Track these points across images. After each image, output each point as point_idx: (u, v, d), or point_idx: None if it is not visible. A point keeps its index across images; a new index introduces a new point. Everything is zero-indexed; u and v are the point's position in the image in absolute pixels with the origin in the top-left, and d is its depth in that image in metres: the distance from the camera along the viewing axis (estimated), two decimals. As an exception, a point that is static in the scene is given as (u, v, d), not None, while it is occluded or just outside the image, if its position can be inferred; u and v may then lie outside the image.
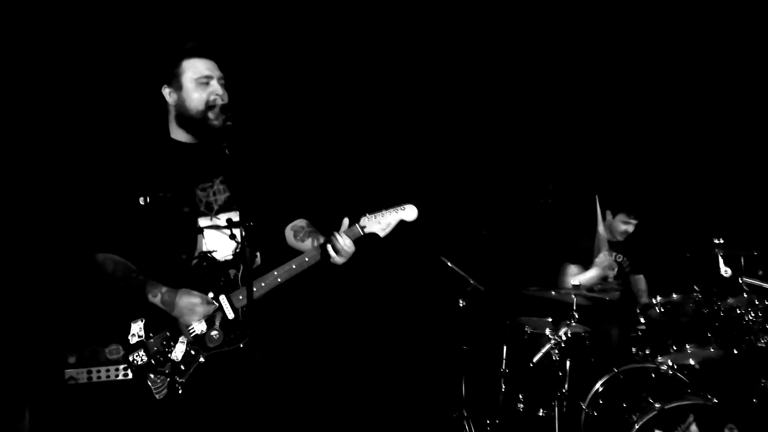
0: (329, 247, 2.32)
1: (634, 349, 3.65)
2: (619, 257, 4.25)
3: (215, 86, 2.34)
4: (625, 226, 4.14)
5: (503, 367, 3.76)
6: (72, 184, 3.24)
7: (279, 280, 2.36)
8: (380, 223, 2.38)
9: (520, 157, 4.53)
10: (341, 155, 4.02)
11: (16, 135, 3.37)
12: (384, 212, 2.38)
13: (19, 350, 3.34)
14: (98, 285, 2.39)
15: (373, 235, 2.40)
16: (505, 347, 3.80)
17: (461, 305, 3.86)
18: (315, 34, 3.89)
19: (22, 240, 3.37)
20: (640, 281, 4.31)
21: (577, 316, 3.54)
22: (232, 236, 2.29)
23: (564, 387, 3.49)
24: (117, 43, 3.36)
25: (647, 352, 3.52)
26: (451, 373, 3.96)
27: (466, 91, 4.38)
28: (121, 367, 2.82)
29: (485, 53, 4.33)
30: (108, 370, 3.25)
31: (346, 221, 2.37)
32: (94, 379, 3.29)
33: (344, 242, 2.32)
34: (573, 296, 3.59)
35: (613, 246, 4.24)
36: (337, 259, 2.34)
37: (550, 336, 3.52)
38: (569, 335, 3.55)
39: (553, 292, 3.67)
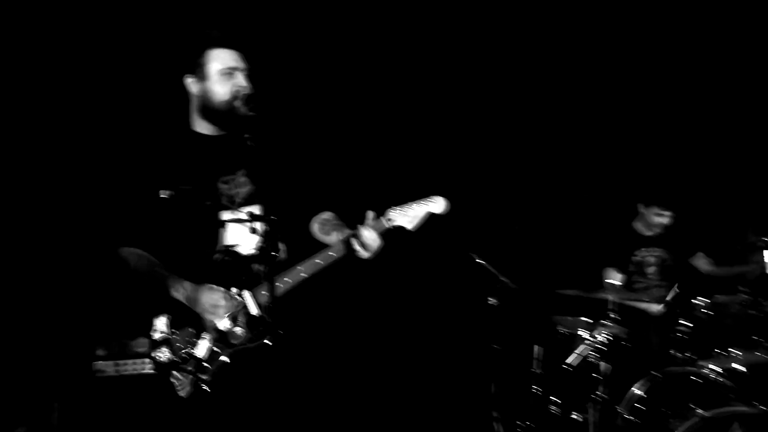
0: (354, 241, 2.24)
1: (675, 352, 3.49)
2: (662, 252, 4.05)
3: (240, 78, 2.28)
4: (659, 218, 3.96)
5: (535, 367, 3.65)
6: (96, 177, 3.24)
7: (304, 275, 2.30)
8: (408, 216, 2.29)
9: (556, 150, 4.38)
10: (368, 147, 3.94)
11: (39, 128, 3.38)
12: (412, 204, 2.30)
13: (48, 343, 3.36)
14: (123, 279, 2.36)
15: (401, 228, 2.31)
16: (537, 347, 3.69)
17: (491, 303, 3.74)
18: (340, 23, 3.82)
19: (49, 234, 3.38)
20: (701, 258, 4.07)
21: (614, 317, 3.39)
22: (253, 230, 2.23)
23: (600, 390, 3.36)
24: (138, 31, 3.33)
25: (689, 354, 3.35)
26: (482, 373, 3.86)
27: (499, 79, 4.27)
28: (147, 360, 2.79)
29: (517, 43, 4.20)
30: (135, 363, 3.25)
31: (370, 214, 2.29)
32: (122, 372, 3.30)
33: (370, 235, 2.24)
34: (609, 296, 3.45)
35: (653, 241, 4.06)
36: (363, 254, 2.26)
37: (585, 337, 3.39)
38: (606, 336, 3.41)
39: (598, 296, 3.52)
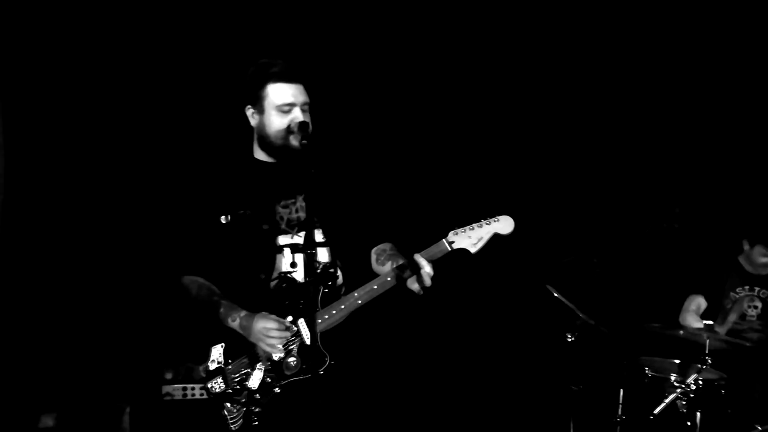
0: (406, 271, 2.12)
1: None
2: (764, 293, 3.69)
3: (297, 113, 2.25)
4: (765, 259, 3.60)
5: (619, 413, 3.34)
6: (161, 204, 3.31)
7: (360, 302, 2.20)
8: (471, 238, 2.14)
9: (641, 175, 4.08)
10: (435, 171, 3.82)
11: (108, 156, 3.51)
12: (475, 225, 2.15)
13: (120, 365, 3.44)
14: (185, 307, 2.36)
15: (464, 251, 2.15)
16: (621, 391, 3.39)
17: (569, 340, 3.48)
18: (399, 52, 3.77)
19: (125, 260, 3.49)
20: None
21: (710, 361, 3.04)
22: (293, 264, 2.17)
23: (693, 442, 3.01)
24: (207, 59, 3.42)
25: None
26: (559, 417, 3.58)
27: (579, 98, 4.05)
28: (202, 388, 2.77)
29: (603, 63, 3.98)
30: (202, 388, 3.27)
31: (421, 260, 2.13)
32: (189, 397, 3.31)
33: (424, 266, 2.11)
34: (705, 336, 3.11)
35: (757, 280, 3.68)
36: (415, 288, 2.13)
37: (676, 382, 3.05)
38: (700, 382, 3.06)
39: (681, 332, 3.20)
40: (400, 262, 2.18)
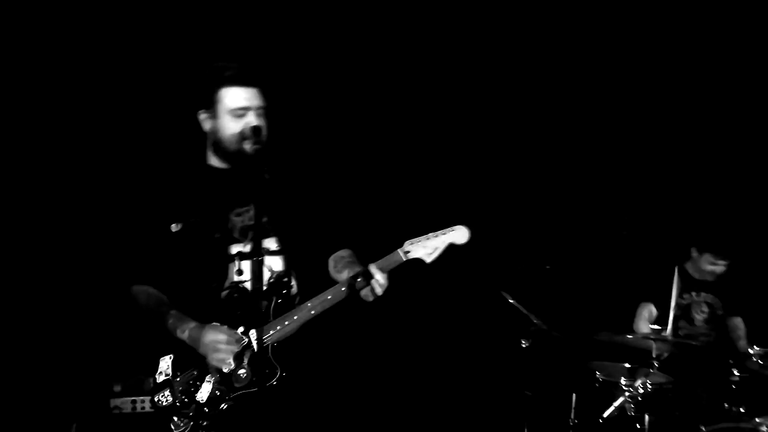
0: (359, 282, 2.10)
1: (727, 405, 3.19)
2: (710, 298, 3.81)
3: (251, 118, 2.21)
4: (712, 267, 3.73)
5: (572, 417, 3.40)
6: (110, 211, 3.21)
7: (313, 312, 2.16)
8: (426, 248, 2.14)
9: (591, 184, 4.17)
10: (389, 180, 3.81)
11: (52, 161, 3.38)
12: (430, 236, 2.15)
13: (66, 379, 3.32)
14: (134, 317, 2.29)
15: (419, 261, 2.16)
16: (574, 395, 3.44)
17: (523, 346, 3.52)
18: (354, 58, 3.75)
19: (72, 269, 3.37)
20: (738, 327, 3.84)
21: (657, 365, 3.13)
22: (239, 271, 2.13)
23: (642, 445, 3.09)
24: (157, 62, 3.33)
25: (742, 410, 3.05)
26: (512, 422, 3.61)
27: (530, 107, 4.10)
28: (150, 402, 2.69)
29: (554, 68, 4.05)
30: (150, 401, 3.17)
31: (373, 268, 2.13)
32: (138, 410, 3.21)
33: (381, 278, 2.10)
34: (652, 342, 3.19)
35: (704, 286, 3.81)
36: (367, 296, 2.13)
37: (625, 386, 3.12)
38: (649, 386, 3.14)
39: (629, 336, 3.28)
40: (357, 270, 2.17)
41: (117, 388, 3.26)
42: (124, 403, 3.18)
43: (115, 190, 3.22)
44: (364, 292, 2.14)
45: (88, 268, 3.32)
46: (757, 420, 2.96)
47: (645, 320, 3.73)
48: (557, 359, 3.73)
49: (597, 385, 3.37)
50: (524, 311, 3.46)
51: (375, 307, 2.23)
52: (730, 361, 3.16)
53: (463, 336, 3.98)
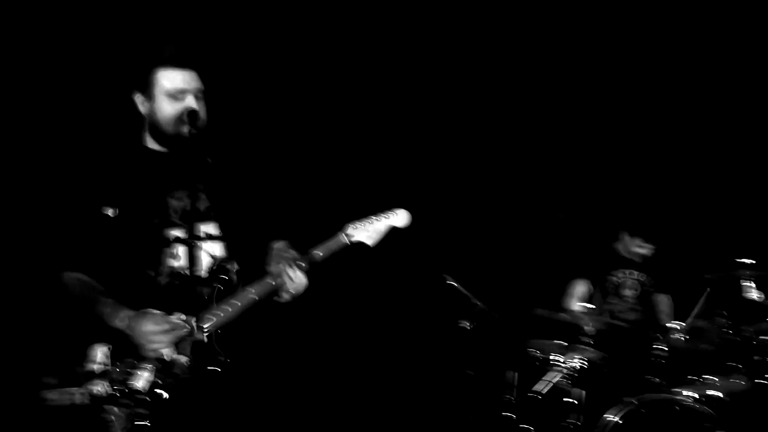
0: (275, 280, 2.13)
1: (655, 378, 3.37)
2: (642, 276, 4.01)
3: (189, 100, 2.16)
4: (640, 250, 3.93)
5: (513, 394, 3.51)
6: (39, 195, 3.07)
7: (255, 298, 2.15)
8: (368, 231, 2.18)
9: (528, 168, 4.28)
10: (330, 165, 3.81)
11: None
12: (372, 219, 2.19)
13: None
14: (66, 306, 2.22)
15: (361, 245, 2.18)
16: (516, 374, 3.56)
17: (466, 327, 3.60)
18: (298, 38, 3.71)
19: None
20: (664, 302, 4.05)
21: (589, 341, 3.27)
22: (174, 255, 2.06)
23: (577, 418, 3.23)
24: (92, 41, 3.19)
25: (666, 381, 3.24)
26: (456, 401, 3.71)
27: (467, 93, 4.16)
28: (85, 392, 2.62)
29: (494, 53, 4.12)
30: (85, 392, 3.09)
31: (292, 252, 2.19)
32: (75, 402, 3.12)
33: (294, 277, 2.13)
34: (585, 319, 3.34)
35: (633, 264, 4.00)
36: (285, 298, 2.15)
37: (555, 362, 3.26)
38: (581, 362, 3.28)
39: (564, 315, 3.42)
40: (279, 266, 2.16)
41: (51, 381, 3.16)
42: (62, 394, 3.08)
43: (45, 173, 3.08)
44: (286, 296, 2.15)
45: (16, 255, 3.18)
46: (681, 390, 3.15)
47: (576, 298, 3.90)
48: (498, 339, 3.84)
49: (536, 363, 3.50)
50: (465, 293, 3.54)
51: (317, 292, 2.24)
52: (654, 335, 3.33)
53: (407, 319, 4.04)
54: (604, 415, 3.10)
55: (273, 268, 2.23)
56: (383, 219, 2.19)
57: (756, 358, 2.97)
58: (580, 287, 3.98)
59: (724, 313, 3.09)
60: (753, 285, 3.03)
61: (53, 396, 3.13)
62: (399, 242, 2.25)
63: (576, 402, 3.28)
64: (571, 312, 3.67)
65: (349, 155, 3.84)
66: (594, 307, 3.42)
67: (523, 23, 4.10)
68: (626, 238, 4.00)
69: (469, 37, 4.04)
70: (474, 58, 4.10)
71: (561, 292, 4.04)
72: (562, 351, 3.42)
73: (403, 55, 3.99)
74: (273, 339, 2.34)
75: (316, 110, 3.81)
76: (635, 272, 4.02)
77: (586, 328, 3.42)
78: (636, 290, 4.00)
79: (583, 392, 3.29)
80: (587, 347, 3.33)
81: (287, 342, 3.59)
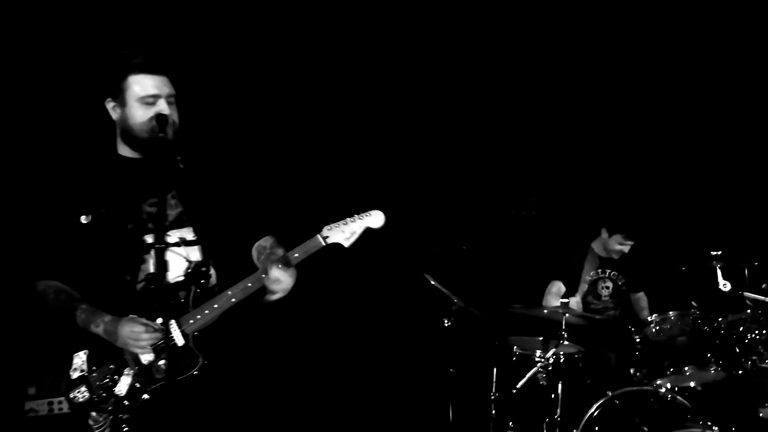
0: (262, 279, 2.13)
1: (632, 371, 3.43)
2: (614, 274, 4.08)
3: (162, 106, 2.16)
4: (620, 246, 3.99)
5: (493, 390, 3.55)
6: (13, 204, 3.05)
7: (233, 300, 2.17)
8: (344, 232, 2.20)
9: (504, 166, 4.32)
10: (307, 167, 3.82)
11: None
12: (348, 220, 2.21)
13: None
14: (42, 315, 2.21)
15: (338, 246, 2.21)
16: (495, 369, 3.60)
17: (446, 325, 3.64)
18: (271, 40, 3.71)
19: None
20: (641, 299, 4.13)
21: (566, 336, 3.32)
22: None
23: (556, 412, 3.27)
24: (63, 48, 3.17)
25: (643, 373, 3.30)
26: (438, 398, 3.74)
27: (441, 93, 4.17)
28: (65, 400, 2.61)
29: (468, 51, 4.13)
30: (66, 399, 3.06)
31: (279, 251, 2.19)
32: (56, 411, 3.09)
33: (279, 275, 2.13)
34: (562, 315, 3.39)
35: (608, 263, 4.07)
36: (269, 297, 2.16)
37: (537, 358, 3.31)
38: (559, 357, 3.33)
39: (545, 311, 3.47)
40: (266, 264, 2.17)
41: (32, 391, 3.12)
42: (40, 405, 3.05)
43: (20, 182, 3.05)
44: (274, 296, 2.16)
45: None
46: (657, 382, 3.21)
47: (554, 295, 3.95)
48: (478, 336, 3.88)
49: (514, 358, 3.54)
50: (445, 291, 3.58)
51: (300, 291, 2.26)
52: (631, 329, 3.39)
53: (388, 317, 4.06)
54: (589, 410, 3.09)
55: (261, 267, 2.24)
56: (358, 220, 2.22)
57: (728, 349, 3.03)
58: (558, 286, 4.03)
59: (694, 304, 3.15)
60: (721, 274, 3.09)
61: (34, 406, 3.12)
62: (379, 241, 2.27)
63: (558, 397, 3.32)
64: (547, 306, 3.71)
65: (324, 156, 3.84)
66: (569, 300, 3.47)
67: (500, 18, 4.11)
68: (605, 235, 4.05)
69: (444, 35, 4.06)
70: (448, 56, 4.11)
71: (539, 289, 4.09)
72: (540, 346, 3.46)
73: (377, 56, 3.99)
74: (252, 341, 2.35)
75: (292, 113, 3.81)
76: (609, 271, 4.08)
77: (566, 316, 3.45)
78: (609, 288, 4.06)
79: (561, 386, 3.33)
80: (564, 341, 3.37)
81: (267, 343, 3.60)
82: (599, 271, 4.08)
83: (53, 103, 3.18)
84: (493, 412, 3.49)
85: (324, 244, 2.20)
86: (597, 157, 4.41)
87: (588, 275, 4.03)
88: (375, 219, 2.23)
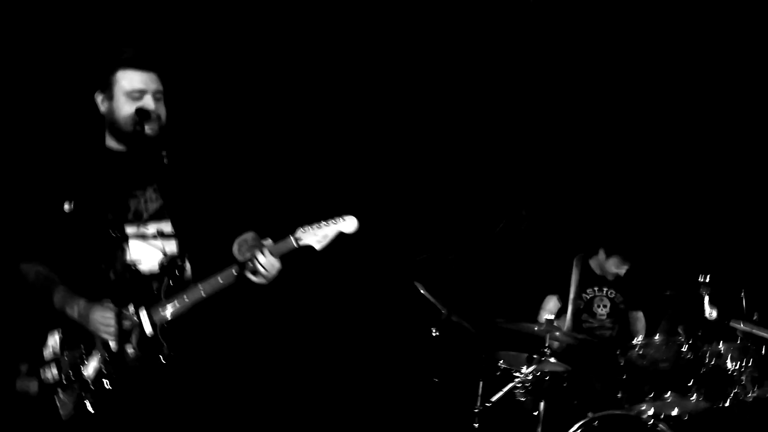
0: (248, 265, 2.17)
1: (619, 395, 3.38)
2: (611, 293, 4.03)
3: (148, 101, 2.24)
4: (617, 269, 3.95)
5: (478, 404, 3.53)
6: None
7: (203, 293, 2.22)
8: (317, 235, 2.24)
9: (498, 177, 4.29)
10: (291, 168, 3.85)
11: None
12: (322, 224, 2.25)
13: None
14: (23, 295, 2.30)
15: (309, 248, 2.25)
16: (481, 383, 3.58)
17: (434, 334, 3.63)
18: (256, 41, 3.73)
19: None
20: (639, 320, 4.06)
21: (549, 353, 3.30)
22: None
23: (536, 430, 3.25)
24: (54, 41, 3.25)
25: (625, 397, 3.24)
26: (422, 408, 3.74)
27: (433, 98, 4.13)
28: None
29: (459, 58, 4.09)
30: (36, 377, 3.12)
31: (268, 240, 2.24)
32: (29, 390, 3.15)
33: (266, 261, 2.17)
34: (545, 331, 3.36)
35: (604, 282, 4.02)
36: (255, 279, 2.20)
37: (517, 374, 3.29)
38: (540, 374, 3.30)
39: (526, 327, 3.45)
40: (248, 256, 2.22)
41: (24, 368, 3.22)
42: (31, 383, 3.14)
43: (8, 169, 3.16)
44: (257, 279, 2.21)
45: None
46: (641, 407, 3.15)
47: (547, 312, 3.92)
48: (466, 348, 3.86)
49: (498, 373, 3.52)
50: (434, 301, 3.57)
51: (290, 293, 2.29)
52: (617, 352, 3.34)
53: (376, 325, 4.07)
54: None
55: (240, 256, 2.28)
56: (332, 224, 2.26)
57: (711, 379, 2.96)
58: (553, 302, 4.00)
59: (681, 331, 3.09)
60: (708, 302, 3.03)
61: (26, 384, 3.21)
62: (368, 248, 2.30)
63: (536, 413, 3.29)
64: (541, 324, 3.68)
65: (313, 160, 3.87)
66: (555, 319, 3.44)
67: (490, 26, 4.09)
68: (602, 256, 4.01)
69: (434, 41, 4.02)
70: (438, 62, 4.05)
71: (534, 305, 4.06)
72: (526, 362, 3.44)
73: (365, 59, 3.95)
74: (223, 334, 2.39)
75: (276, 112, 3.82)
76: (606, 289, 4.03)
77: (552, 342, 3.44)
78: (607, 307, 4.01)
79: (543, 404, 3.30)
80: (550, 359, 3.34)
81: (249, 344, 3.64)
82: (596, 289, 4.03)
83: (46, 96, 3.28)
84: (476, 425, 3.47)
85: (296, 245, 2.24)
86: (595, 173, 4.36)
87: (582, 293, 3.99)
88: (348, 224, 2.27)
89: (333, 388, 3.90)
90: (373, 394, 3.99)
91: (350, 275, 3.84)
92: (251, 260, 2.19)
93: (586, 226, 4.20)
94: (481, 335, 3.78)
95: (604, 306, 4.02)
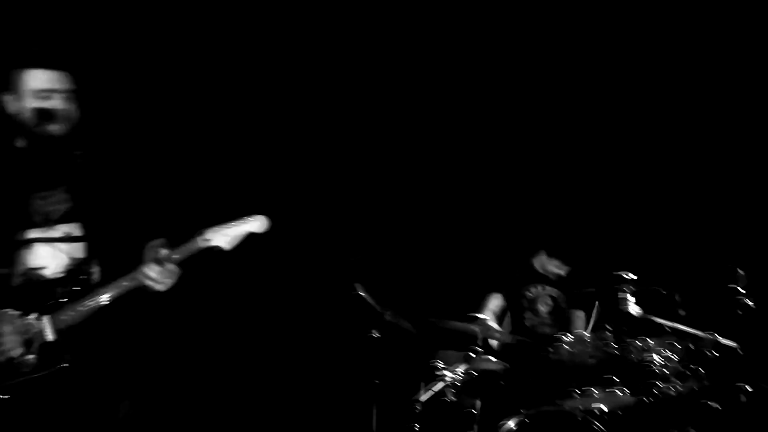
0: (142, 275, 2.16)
1: (557, 390, 3.39)
2: (554, 292, 4.06)
3: (55, 101, 2.22)
4: (557, 270, 3.98)
5: (418, 405, 3.52)
6: None
7: (108, 298, 2.20)
8: (225, 236, 2.24)
9: (440, 176, 4.29)
10: (207, 169, 3.82)
11: None
12: (231, 224, 2.25)
13: None
14: None
15: (218, 248, 2.24)
16: (422, 384, 3.58)
17: (375, 336, 3.62)
18: (175, 40, 3.70)
19: None
20: (579, 317, 4.10)
21: (480, 351, 3.31)
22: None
23: (473, 428, 3.25)
24: None
25: (556, 393, 3.26)
26: (362, 409, 3.72)
27: (357, 98, 4.12)
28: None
29: (401, 57, 4.09)
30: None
31: (159, 248, 2.23)
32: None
33: (152, 272, 2.17)
34: (483, 331, 3.38)
35: (546, 281, 4.05)
36: (153, 287, 2.19)
37: (447, 372, 3.29)
38: (472, 373, 3.31)
39: (459, 324, 3.46)
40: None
41: None
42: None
43: None
44: (156, 286, 2.19)
45: None
46: (569, 402, 3.16)
47: (490, 311, 3.93)
48: (408, 349, 3.86)
49: (437, 372, 3.51)
50: (374, 303, 3.57)
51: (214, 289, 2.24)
52: (549, 349, 3.36)
53: (315, 327, 4.05)
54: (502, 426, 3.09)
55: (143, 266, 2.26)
56: (241, 224, 2.25)
57: (636, 374, 3.00)
58: (495, 301, 4.01)
59: (608, 326, 3.12)
60: (631, 299, 3.06)
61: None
62: (305, 249, 2.28)
63: (472, 412, 3.30)
64: (481, 323, 3.69)
65: (226, 159, 3.82)
66: (481, 317, 3.46)
67: (475, 33, 4.10)
68: (543, 256, 4.04)
69: (369, 41, 4.01)
70: (379, 61, 4.04)
71: (475, 303, 4.07)
72: (463, 360, 3.44)
73: (270, 57, 3.91)
74: (126, 340, 2.36)
75: (192, 112, 3.79)
76: (550, 288, 4.06)
77: (491, 342, 3.45)
78: (549, 306, 4.04)
79: (478, 402, 3.31)
80: (486, 357, 3.35)
81: (175, 347, 3.60)
82: (539, 287, 4.06)
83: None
84: (417, 426, 3.47)
85: (202, 246, 2.23)
86: (538, 174, 4.39)
87: (527, 291, 4.01)
88: (257, 224, 2.26)
89: (271, 393, 3.87)
90: (313, 398, 3.98)
91: (282, 279, 3.81)
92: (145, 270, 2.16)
93: (529, 226, 4.23)
94: (422, 336, 3.79)
95: (547, 304, 4.05)
